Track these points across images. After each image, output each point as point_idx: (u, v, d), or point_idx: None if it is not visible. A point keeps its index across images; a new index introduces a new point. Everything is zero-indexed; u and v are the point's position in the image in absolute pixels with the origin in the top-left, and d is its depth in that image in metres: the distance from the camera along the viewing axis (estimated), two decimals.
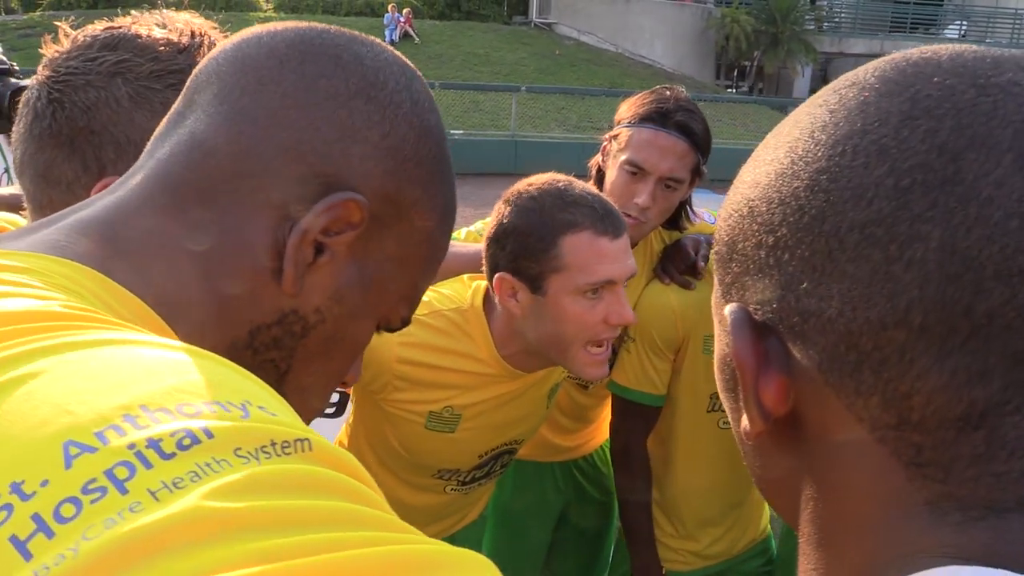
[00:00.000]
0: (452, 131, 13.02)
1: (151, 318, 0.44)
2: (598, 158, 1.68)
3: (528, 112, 16.40)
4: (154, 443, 0.30)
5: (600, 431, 1.96)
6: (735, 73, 24.65)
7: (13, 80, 1.67)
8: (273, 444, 0.32)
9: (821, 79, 25.32)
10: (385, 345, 1.28)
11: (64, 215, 0.49)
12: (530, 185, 1.29)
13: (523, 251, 1.25)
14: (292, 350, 0.52)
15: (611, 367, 1.73)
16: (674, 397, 1.71)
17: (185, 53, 0.78)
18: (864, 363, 0.33)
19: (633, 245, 1.65)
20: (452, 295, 1.39)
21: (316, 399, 0.57)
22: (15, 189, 1.41)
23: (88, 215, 0.48)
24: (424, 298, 0.74)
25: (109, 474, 0.29)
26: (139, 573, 0.26)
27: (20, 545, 0.27)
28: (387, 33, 19.37)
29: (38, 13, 19.18)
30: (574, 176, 1.35)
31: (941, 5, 25.38)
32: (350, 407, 1.59)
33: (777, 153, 0.38)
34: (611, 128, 1.65)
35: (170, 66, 0.77)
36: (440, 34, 20.43)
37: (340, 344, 0.54)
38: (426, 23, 20.92)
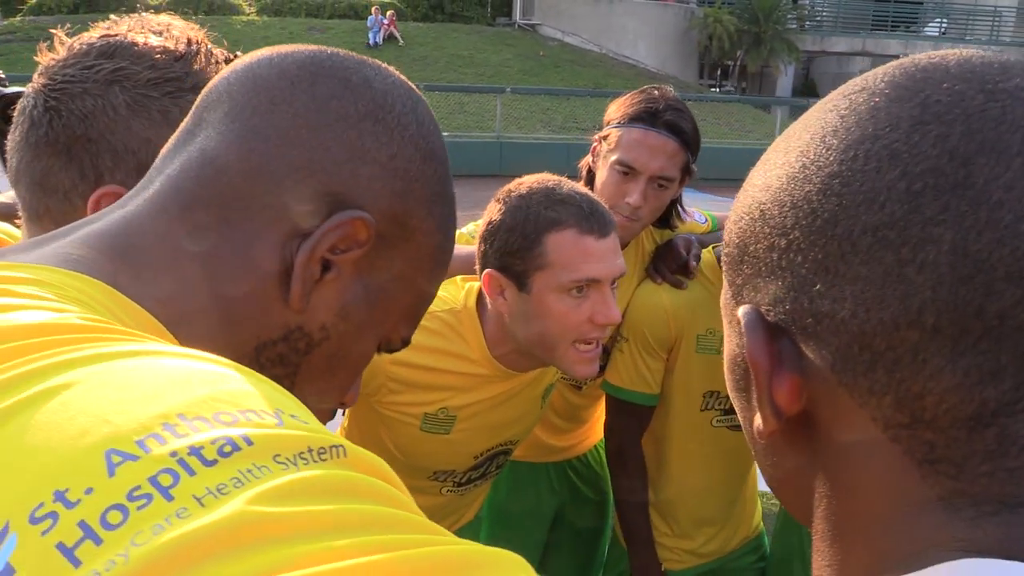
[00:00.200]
0: None
1: (160, 332, 0.45)
2: (588, 159, 1.69)
3: (513, 113, 16.42)
4: (196, 450, 0.30)
5: (594, 431, 1.97)
6: (718, 72, 24.76)
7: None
8: (310, 450, 0.32)
9: (804, 77, 25.51)
10: None
11: (74, 228, 0.49)
12: (520, 184, 1.31)
13: (509, 248, 1.26)
14: (296, 367, 0.52)
15: (603, 367, 1.74)
16: (667, 396, 1.71)
17: (182, 61, 0.78)
18: (877, 363, 0.34)
19: (625, 244, 1.67)
20: (445, 296, 1.40)
21: (317, 416, 0.57)
22: (4, 198, 1.40)
23: (98, 228, 0.48)
24: None
25: (153, 481, 0.29)
26: None
27: (68, 552, 0.27)
28: (371, 35, 19.29)
29: (18, 18, 19.02)
30: (565, 177, 1.36)
31: (921, 3, 25.61)
32: (341, 411, 1.59)
33: (788, 157, 0.39)
34: (596, 128, 1.66)
35: (167, 74, 0.77)
36: (424, 36, 20.40)
37: (343, 362, 0.55)
38: (410, 25, 20.87)
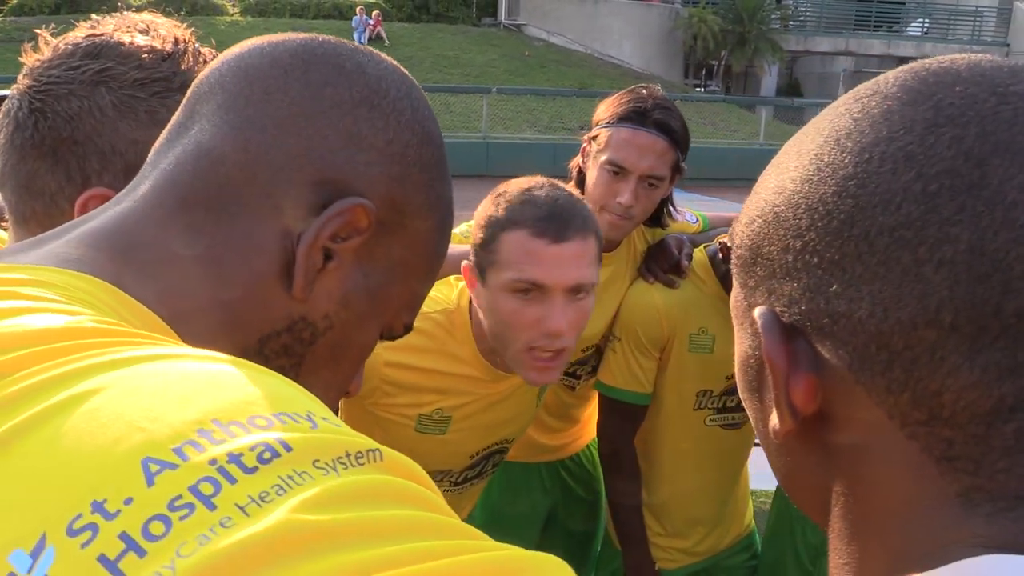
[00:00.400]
0: None
1: (165, 331, 0.44)
2: (578, 159, 1.70)
3: (499, 113, 16.43)
4: (235, 457, 0.30)
5: (586, 431, 1.97)
6: (703, 72, 24.88)
7: None
8: (348, 455, 0.32)
9: (788, 77, 25.67)
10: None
11: (68, 228, 0.48)
12: (509, 184, 1.32)
13: (476, 241, 1.29)
14: (301, 357, 0.52)
15: (596, 368, 1.74)
16: (659, 396, 1.72)
17: (169, 60, 0.77)
18: (895, 362, 0.34)
19: (617, 243, 1.67)
20: (438, 297, 1.39)
21: None
22: None
23: (95, 228, 0.47)
24: None
25: (194, 490, 0.28)
26: None
27: (111, 565, 0.27)
28: (356, 36, 19.24)
29: None
30: (553, 178, 1.36)
31: (903, 4, 25.83)
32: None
33: (801, 160, 0.39)
34: (582, 128, 1.66)
35: (154, 74, 0.76)
36: (409, 36, 20.39)
37: (347, 351, 0.55)
38: (395, 25, 20.86)
